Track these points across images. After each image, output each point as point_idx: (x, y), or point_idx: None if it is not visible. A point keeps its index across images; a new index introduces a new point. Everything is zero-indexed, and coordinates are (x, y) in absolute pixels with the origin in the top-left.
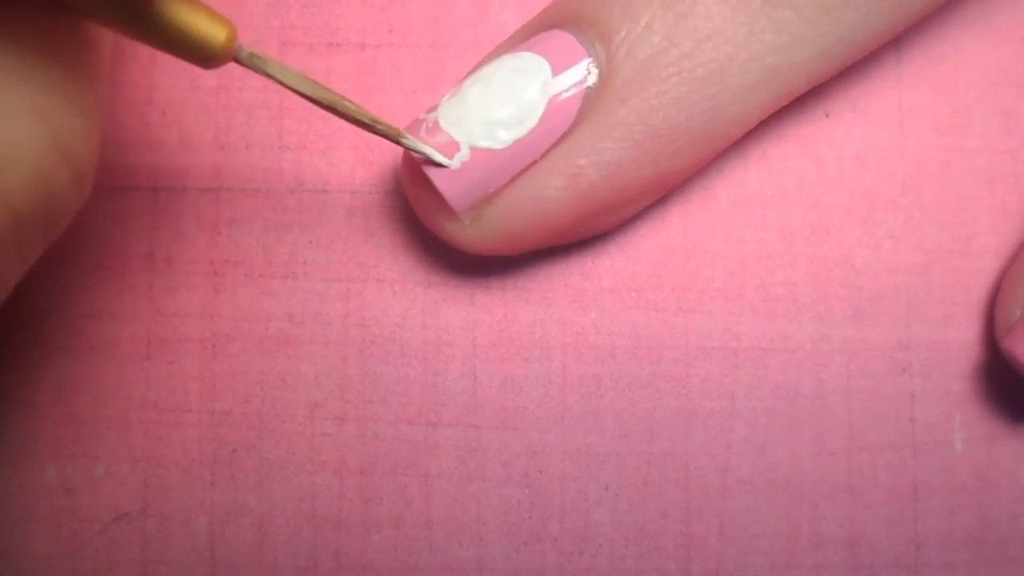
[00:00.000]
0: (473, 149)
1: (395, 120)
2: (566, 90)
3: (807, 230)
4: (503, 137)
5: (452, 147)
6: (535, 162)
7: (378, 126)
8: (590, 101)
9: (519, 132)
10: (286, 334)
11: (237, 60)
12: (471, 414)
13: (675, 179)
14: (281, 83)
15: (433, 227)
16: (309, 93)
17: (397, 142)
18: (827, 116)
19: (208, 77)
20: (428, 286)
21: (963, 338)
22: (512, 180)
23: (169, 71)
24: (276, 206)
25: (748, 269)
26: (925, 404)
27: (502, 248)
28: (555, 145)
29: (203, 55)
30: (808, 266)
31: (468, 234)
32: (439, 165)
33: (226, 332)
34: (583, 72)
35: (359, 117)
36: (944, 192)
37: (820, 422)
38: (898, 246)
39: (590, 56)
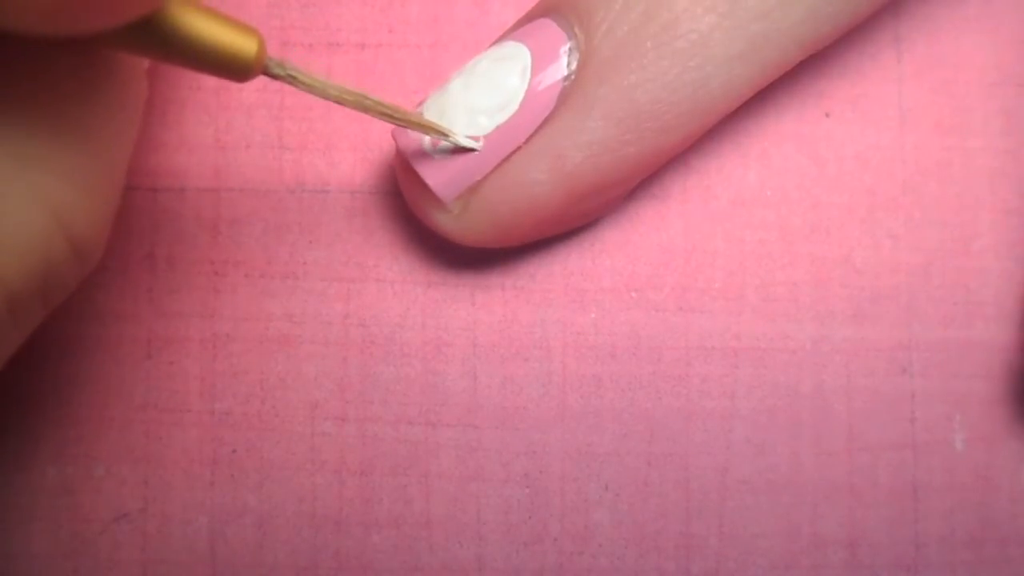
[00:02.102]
0: (480, 147)
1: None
2: (547, 75)
3: (807, 230)
4: (485, 124)
5: (436, 138)
6: (519, 148)
7: (410, 119)
8: (571, 83)
9: (500, 118)
10: (286, 334)
11: (266, 72)
12: (471, 414)
13: (663, 157)
14: (311, 91)
15: (424, 219)
16: (338, 97)
17: (429, 132)
18: (827, 116)
19: (208, 77)
20: (428, 286)
21: (964, 338)
22: (497, 167)
23: (169, 71)
24: (276, 206)
25: (748, 269)
26: (925, 404)
27: (492, 237)
28: (538, 130)
29: (236, 70)
30: (808, 266)
31: (458, 224)
32: (468, 150)
33: (226, 332)
34: (563, 56)
35: (392, 113)
36: (944, 192)
37: (820, 422)
38: (898, 246)
39: (570, 40)
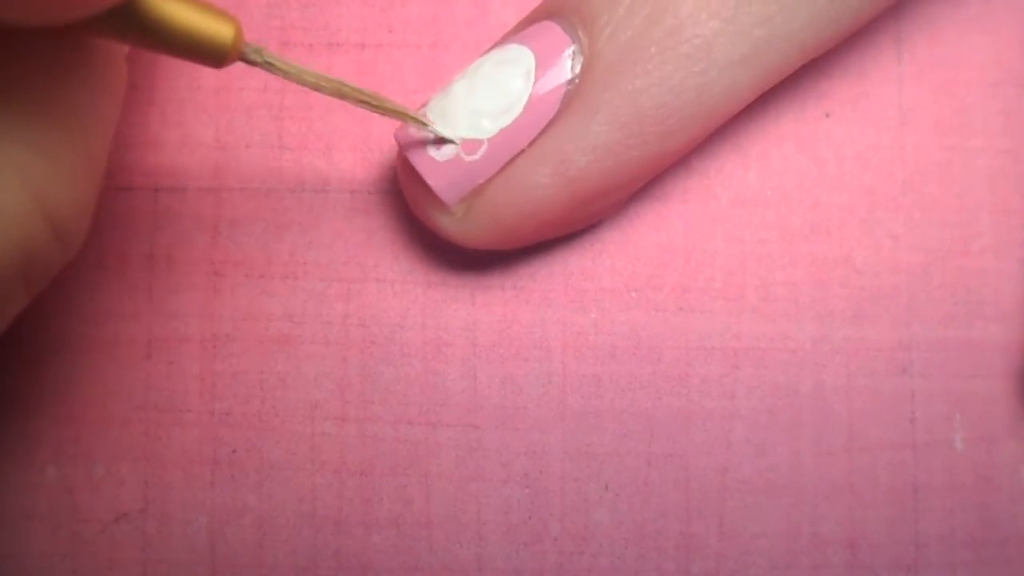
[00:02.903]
0: (460, 141)
1: (395, 121)
2: (550, 78)
3: (807, 230)
4: (488, 127)
5: (440, 140)
6: (523, 151)
7: (387, 106)
8: (575, 87)
9: (504, 121)
10: (286, 334)
11: (244, 59)
12: (471, 414)
13: (666, 161)
14: (288, 77)
15: (426, 221)
16: (315, 84)
17: (406, 120)
18: (828, 116)
19: (208, 77)
20: (428, 286)
21: (964, 338)
22: (500, 170)
23: (169, 71)
24: (276, 206)
25: (748, 269)
26: (925, 404)
27: (495, 240)
28: (542, 133)
29: (212, 56)
30: (808, 266)
31: (460, 227)
32: (447, 142)
33: (226, 332)
34: (567, 59)
35: (370, 101)
36: (944, 192)
37: (820, 422)
38: (898, 246)
39: (574, 43)
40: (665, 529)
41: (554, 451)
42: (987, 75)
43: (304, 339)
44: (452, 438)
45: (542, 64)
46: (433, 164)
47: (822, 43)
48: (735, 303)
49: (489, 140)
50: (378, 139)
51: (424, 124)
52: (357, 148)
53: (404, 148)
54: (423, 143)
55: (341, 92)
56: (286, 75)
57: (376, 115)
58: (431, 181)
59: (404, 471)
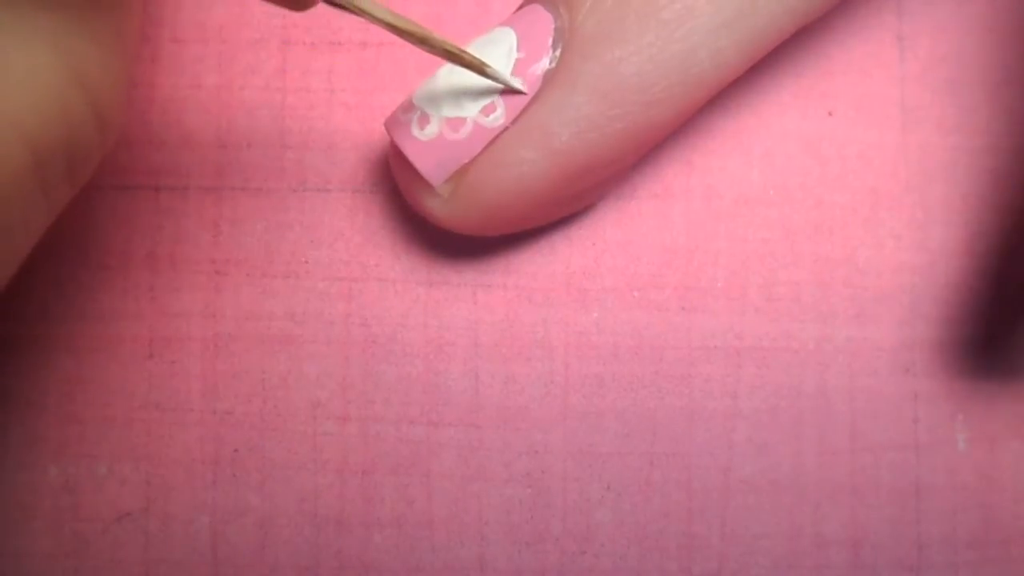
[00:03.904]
0: (443, 121)
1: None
2: (532, 55)
3: (810, 229)
4: (469, 106)
5: (424, 120)
6: (505, 129)
7: (465, 57)
8: (557, 63)
9: (485, 100)
10: (288, 333)
11: (328, 0)
12: (473, 414)
13: (653, 134)
14: (372, 19)
15: (416, 207)
16: (399, 27)
17: (483, 73)
18: (830, 115)
19: (209, 76)
20: (430, 285)
21: (967, 338)
22: (485, 148)
23: (171, 70)
24: (278, 205)
25: (751, 268)
26: (928, 404)
27: (483, 222)
28: (525, 109)
29: None
30: (811, 265)
31: (447, 208)
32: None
33: (228, 331)
34: (548, 36)
35: (449, 49)
36: (948, 191)
37: (823, 422)
38: (901, 245)
39: (556, 20)
40: (667, 529)
41: (556, 451)
42: (990, 74)
43: (306, 338)
44: (454, 437)
45: (524, 42)
46: (417, 144)
47: (814, 7)
48: (738, 303)
49: (472, 119)
50: (380, 138)
51: (509, 85)
52: (359, 147)
53: (390, 132)
54: (407, 125)
55: (425, 38)
56: (372, 18)
57: (378, 111)
58: (415, 161)
59: (406, 471)
